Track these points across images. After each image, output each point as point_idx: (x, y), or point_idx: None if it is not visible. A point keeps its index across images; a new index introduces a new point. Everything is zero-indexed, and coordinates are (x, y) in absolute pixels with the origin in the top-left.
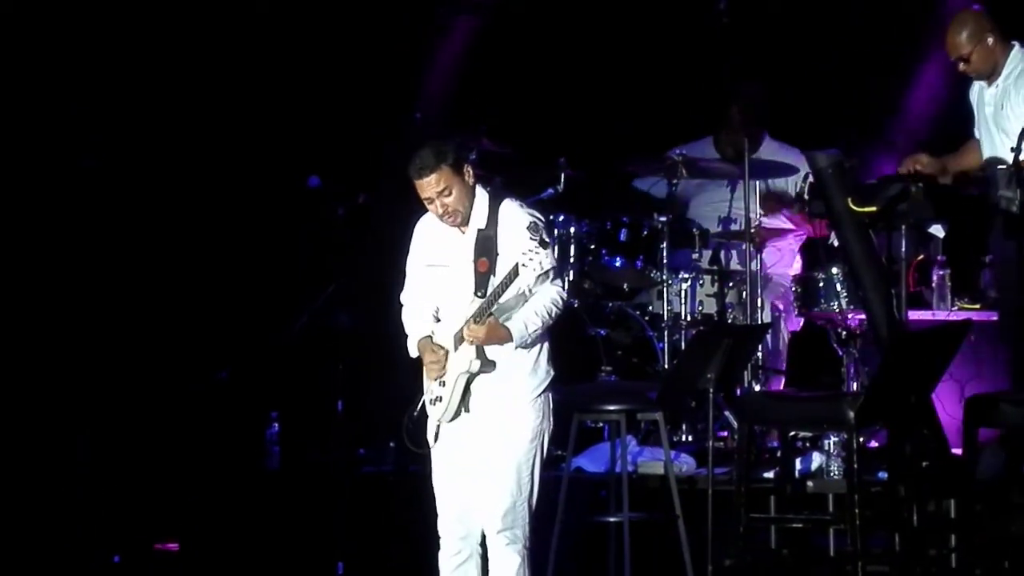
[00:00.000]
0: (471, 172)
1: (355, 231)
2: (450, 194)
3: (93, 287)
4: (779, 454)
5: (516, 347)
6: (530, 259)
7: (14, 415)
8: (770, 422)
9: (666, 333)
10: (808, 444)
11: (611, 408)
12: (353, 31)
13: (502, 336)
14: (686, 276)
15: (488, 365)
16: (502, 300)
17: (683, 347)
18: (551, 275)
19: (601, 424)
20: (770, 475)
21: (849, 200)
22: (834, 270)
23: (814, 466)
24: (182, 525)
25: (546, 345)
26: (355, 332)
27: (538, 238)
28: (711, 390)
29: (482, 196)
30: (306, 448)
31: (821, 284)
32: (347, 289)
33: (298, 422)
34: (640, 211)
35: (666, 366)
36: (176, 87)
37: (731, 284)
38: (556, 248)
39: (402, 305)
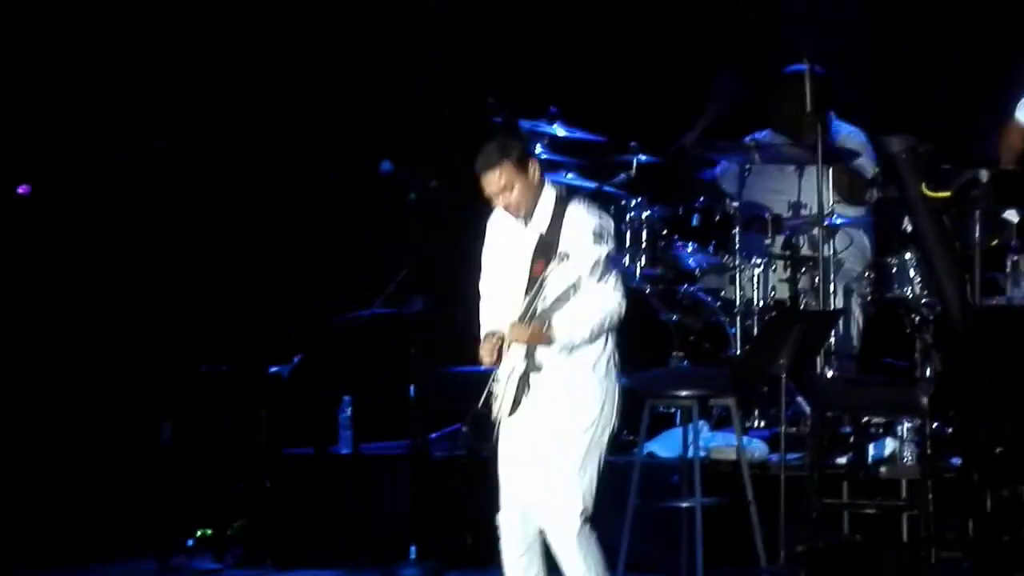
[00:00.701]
0: (537, 168)
1: (427, 216)
2: (512, 190)
3: (168, 274)
4: (852, 440)
5: (559, 351)
6: (591, 265)
7: (105, 401)
8: (843, 408)
9: (738, 318)
10: (881, 430)
11: (683, 394)
12: (426, 15)
13: (545, 339)
14: (758, 261)
15: (535, 367)
16: (548, 303)
17: (755, 332)
18: (611, 280)
19: (673, 409)
20: (843, 461)
21: (923, 185)
22: (907, 255)
23: (887, 452)
24: (256, 509)
25: (610, 343)
26: (427, 316)
27: (603, 244)
28: (784, 376)
29: (548, 195)
30: (379, 433)
31: (894, 270)
32: (419, 273)
33: (370, 407)
34: (713, 196)
35: (738, 352)
36: (244, 71)
37: (803, 269)
38: (622, 250)
39: (480, 296)
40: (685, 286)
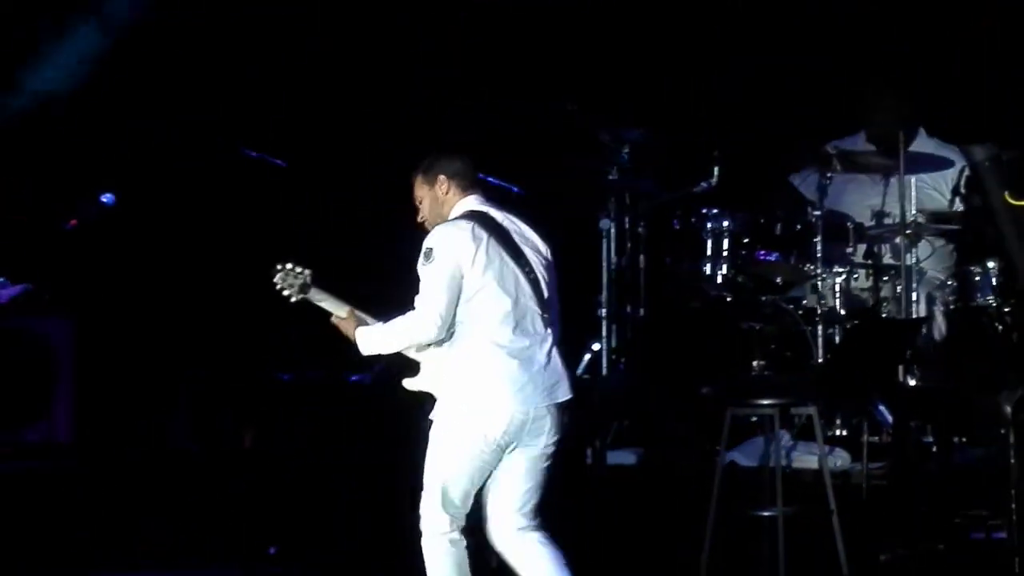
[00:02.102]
0: (448, 187)
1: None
2: (422, 203)
3: (248, 282)
4: (935, 448)
5: (364, 351)
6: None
7: (192, 407)
8: (925, 416)
9: (820, 327)
10: (964, 438)
11: (765, 402)
12: (512, 23)
13: (350, 332)
14: (840, 270)
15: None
16: None
17: (837, 341)
18: (422, 298)
19: (755, 418)
20: (925, 469)
21: (1006, 193)
22: (990, 264)
23: (970, 460)
24: (345, 507)
25: (467, 365)
26: None
27: (423, 265)
28: (866, 384)
29: (453, 214)
30: None
31: (977, 278)
32: None
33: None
34: (794, 205)
35: (820, 360)
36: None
37: (885, 278)
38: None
39: None
40: (767, 295)
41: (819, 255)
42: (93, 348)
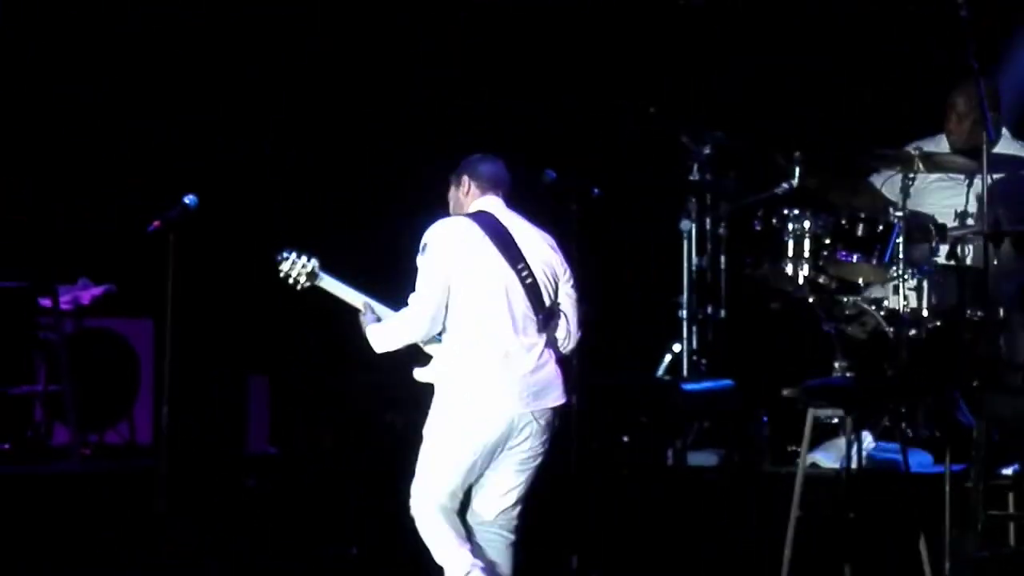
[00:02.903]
0: (466, 187)
1: (589, 225)
2: (448, 204)
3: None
4: (1018, 450)
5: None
6: None
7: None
8: (1008, 418)
9: (902, 328)
10: None
11: (847, 404)
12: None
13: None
14: (923, 271)
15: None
16: None
17: (920, 343)
18: (416, 294)
19: (836, 420)
20: (1008, 472)
21: None
22: None
23: None
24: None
25: (460, 359)
26: (591, 323)
27: (420, 257)
28: (948, 386)
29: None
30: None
31: None
32: (581, 281)
33: None
34: (876, 206)
35: (902, 361)
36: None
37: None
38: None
39: None
40: (849, 296)
41: (901, 256)
42: (174, 350)
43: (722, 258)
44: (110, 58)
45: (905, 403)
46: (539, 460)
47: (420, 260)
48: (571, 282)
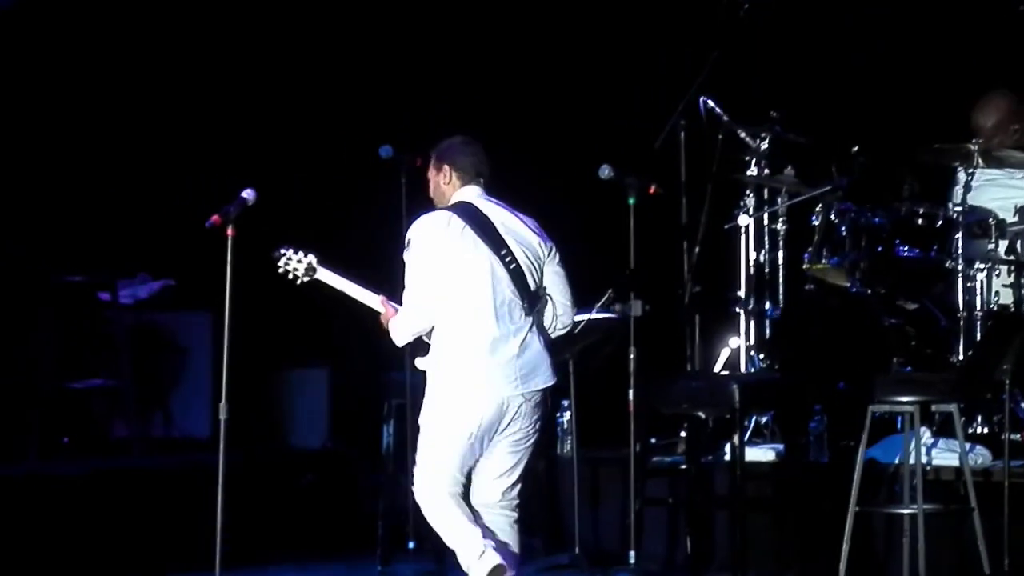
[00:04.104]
0: (448, 176)
1: (646, 221)
2: (430, 181)
3: None
4: None
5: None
6: None
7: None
8: None
9: (961, 324)
10: None
11: (905, 399)
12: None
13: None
14: (982, 266)
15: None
16: None
17: (978, 338)
18: (408, 289)
19: (894, 415)
20: None
21: None
22: None
23: None
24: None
25: (445, 347)
26: (647, 320)
27: (406, 254)
28: (1007, 381)
29: (447, 204)
30: (597, 438)
31: None
32: (639, 277)
33: (590, 411)
34: (935, 200)
35: (961, 357)
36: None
37: None
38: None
39: None
40: (907, 291)
41: (960, 251)
42: (232, 344)
43: (780, 253)
44: (165, 51)
45: (964, 399)
46: (532, 439)
47: (406, 256)
48: (557, 259)
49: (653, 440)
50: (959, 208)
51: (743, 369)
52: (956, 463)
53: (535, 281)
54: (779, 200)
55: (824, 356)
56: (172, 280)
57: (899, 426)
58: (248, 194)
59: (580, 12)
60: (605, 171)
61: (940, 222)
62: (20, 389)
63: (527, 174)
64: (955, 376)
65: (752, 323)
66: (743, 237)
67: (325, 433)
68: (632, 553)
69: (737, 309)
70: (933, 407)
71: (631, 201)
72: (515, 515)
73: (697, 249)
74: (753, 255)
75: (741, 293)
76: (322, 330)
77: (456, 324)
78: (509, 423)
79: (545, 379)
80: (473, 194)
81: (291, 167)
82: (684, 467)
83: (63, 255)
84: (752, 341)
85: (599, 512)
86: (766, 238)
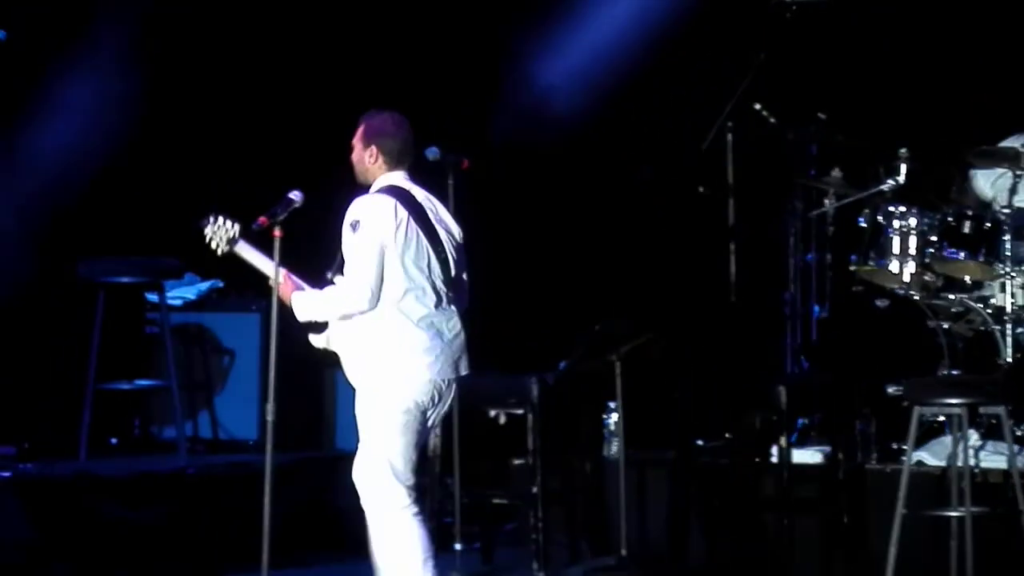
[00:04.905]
0: (376, 157)
1: (685, 223)
2: (352, 152)
3: None
4: None
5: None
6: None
7: None
8: None
9: (1009, 326)
10: None
11: (952, 401)
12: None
13: (286, 298)
14: None
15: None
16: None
17: None
18: (354, 269)
19: (942, 418)
20: None
21: None
22: None
23: None
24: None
25: (388, 329)
26: (695, 323)
27: (352, 234)
28: None
29: (375, 185)
30: (644, 439)
31: None
32: (687, 283)
33: (637, 412)
34: (983, 202)
35: (1009, 359)
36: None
37: None
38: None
39: None
40: (954, 293)
41: (1008, 253)
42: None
43: (827, 255)
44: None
45: (1012, 401)
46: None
47: (354, 236)
48: (463, 255)
49: (700, 442)
50: (1007, 210)
51: (790, 370)
52: (1004, 466)
53: (456, 269)
54: (826, 202)
55: (871, 358)
56: (220, 281)
57: (947, 428)
58: (295, 195)
59: (630, 16)
60: (648, 172)
61: (988, 224)
62: (68, 390)
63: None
64: (1003, 378)
65: (799, 325)
66: (791, 238)
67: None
68: (678, 555)
69: (784, 310)
70: (981, 409)
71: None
72: (417, 505)
73: (744, 251)
74: (800, 256)
75: (788, 294)
76: None
77: (399, 308)
78: (437, 406)
79: (467, 366)
80: (400, 178)
81: (337, 168)
82: (731, 469)
83: (110, 256)
84: (799, 342)
85: (646, 514)
86: (813, 240)
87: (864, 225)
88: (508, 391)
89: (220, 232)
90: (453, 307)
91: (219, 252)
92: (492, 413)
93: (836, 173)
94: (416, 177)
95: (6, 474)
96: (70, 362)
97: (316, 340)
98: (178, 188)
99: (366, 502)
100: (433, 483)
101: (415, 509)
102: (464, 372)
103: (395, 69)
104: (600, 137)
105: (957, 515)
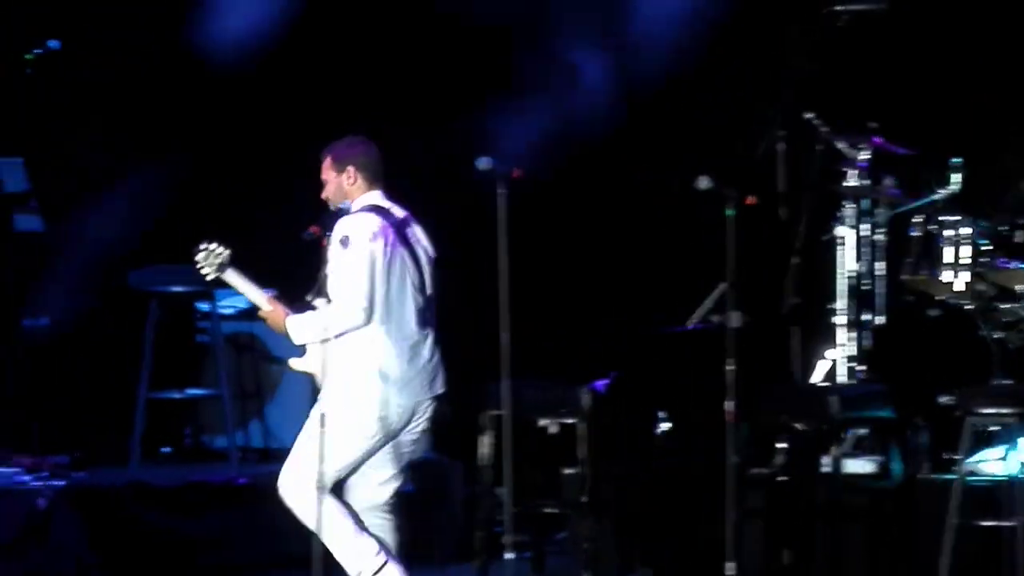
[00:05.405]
0: (355, 178)
1: (745, 232)
2: (327, 184)
3: None
4: None
5: (296, 340)
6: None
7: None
8: None
9: None
10: None
11: (1005, 411)
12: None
13: (279, 324)
14: None
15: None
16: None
17: None
18: (347, 287)
19: (995, 427)
20: None
21: None
22: None
23: None
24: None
25: (364, 352)
26: (745, 332)
27: (345, 252)
28: None
29: (356, 205)
30: (695, 448)
31: None
32: (738, 288)
33: (688, 421)
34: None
35: None
36: None
37: None
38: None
39: None
40: (1007, 303)
41: None
42: None
43: (879, 264)
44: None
45: None
46: (416, 444)
47: (345, 252)
48: (433, 272)
49: (751, 451)
50: None
51: (841, 381)
52: None
53: (431, 288)
54: (878, 211)
55: (924, 368)
56: (271, 290)
57: (999, 438)
58: (345, 204)
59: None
60: (703, 182)
61: None
62: (120, 399)
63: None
64: None
65: (851, 335)
66: (841, 248)
67: (424, 443)
68: (730, 565)
69: (836, 320)
70: None
71: (729, 212)
72: (395, 516)
73: (796, 260)
74: (852, 266)
75: (839, 304)
76: None
77: (381, 327)
78: (413, 426)
79: (442, 384)
80: (378, 197)
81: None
82: (782, 478)
83: (162, 265)
84: (851, 352)
85: (696, 523)
86: (865, 249)
87: (916, 235)
88: (559, 400)
89: (211, 257)
90: (429, 328)
91: (208, 278)
92: (542, 422)
93: (888, 182)
94: (461, 189)
95: (59, 483)
96: (122, 371)
97: (297, 364)
98: (229, 196)
99: (294, 506)
100: (483, 493)
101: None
102: (440, 391)
103: (440, 77)
104: (651, 145)
105: (1010, 525)
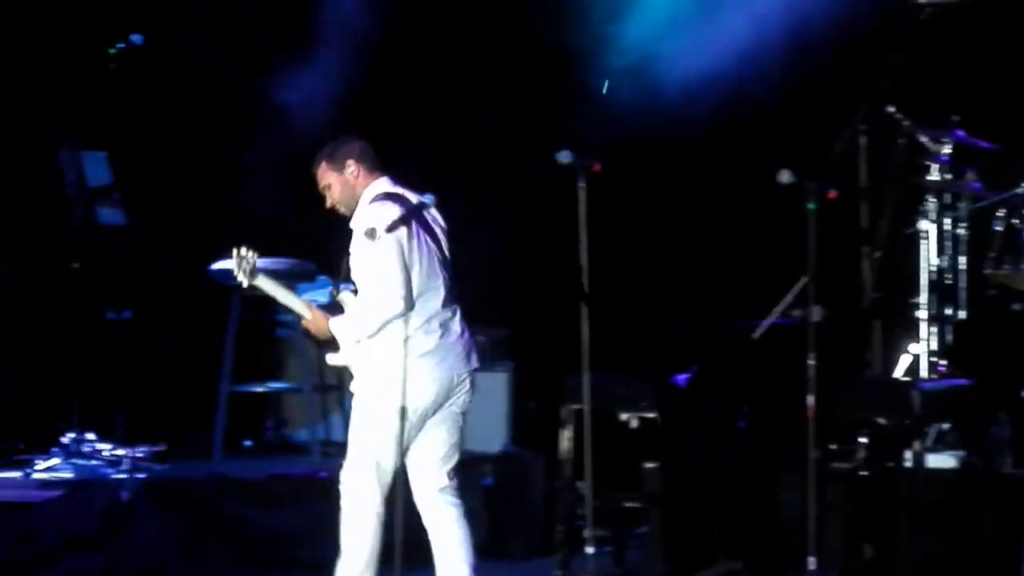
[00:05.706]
0: (358, 170)
1: (826, 225)
2: (331, 189)
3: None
4: None
5: (343, 342)
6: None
7: None
8: None
9: None
10: None
11: None
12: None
13: (327, 334)
14: None
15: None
16: (343, 297)
17: None
18: (380, 277)
19: None
20: None
21: None
22: None
23: None
24: (654, 516)
25: (387, 335)
26: (827, 327)
27: (372, 242)
28: None
29: (366, 196)
30: (773, 443)
31: None
32: (819, 284)
33: (768, 417)
34: None
35: None
36: None
37: None
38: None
39: None
40: None
41: None
42: None
43: (961, 258)
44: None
45: None
46: (464, 416)
47: (373, 244)
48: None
49: (832, 446)
50: None
51: (924, 375)
52: None
53: (451, 266)
54: (960, 205)
55: (1007, 362)
56: (351, 283)
57: None
58: (427, 198)
59: (764, 19)
60: (786, 176)
61: None
62: (203, 392)
63: (709, 180)
64: None
65: (933, 329)
66: (924, 242)
67: (505, 437)
68: (811, 559)
69: (918, 314)
70: None
71: (811, 207)
72: (461, 504)
73: (878, 254)
74: (934, 260)
75: (922, 299)
76: (504, 333)
77: (414, 308)
78: (455, 399)
79: (477, 359)
80: (387, 184)
81: (470, 173)
82: (864, 473)
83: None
84: (933, 347)
85: (777, 518)
86: (947, 243)
87: (998, 229)
88: (640, 394)
89: (243, 264)
90: (455, 304)
91: (244, 284)
92: (623, 417)
93: (970, 176)
94: (537, 181)
95: (142, 476)
96: (204, 365)
97: (333, 359)
98: (309, 191)
99: (345, 502)
100: (564, 487)
101: (382, 511)
102: (476, 365)
103: (523, 71)
104: (734, 139)
105: None
